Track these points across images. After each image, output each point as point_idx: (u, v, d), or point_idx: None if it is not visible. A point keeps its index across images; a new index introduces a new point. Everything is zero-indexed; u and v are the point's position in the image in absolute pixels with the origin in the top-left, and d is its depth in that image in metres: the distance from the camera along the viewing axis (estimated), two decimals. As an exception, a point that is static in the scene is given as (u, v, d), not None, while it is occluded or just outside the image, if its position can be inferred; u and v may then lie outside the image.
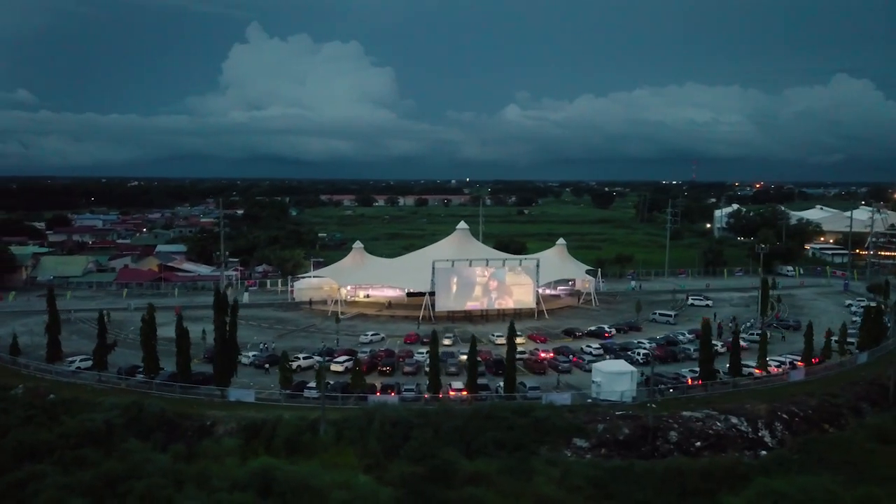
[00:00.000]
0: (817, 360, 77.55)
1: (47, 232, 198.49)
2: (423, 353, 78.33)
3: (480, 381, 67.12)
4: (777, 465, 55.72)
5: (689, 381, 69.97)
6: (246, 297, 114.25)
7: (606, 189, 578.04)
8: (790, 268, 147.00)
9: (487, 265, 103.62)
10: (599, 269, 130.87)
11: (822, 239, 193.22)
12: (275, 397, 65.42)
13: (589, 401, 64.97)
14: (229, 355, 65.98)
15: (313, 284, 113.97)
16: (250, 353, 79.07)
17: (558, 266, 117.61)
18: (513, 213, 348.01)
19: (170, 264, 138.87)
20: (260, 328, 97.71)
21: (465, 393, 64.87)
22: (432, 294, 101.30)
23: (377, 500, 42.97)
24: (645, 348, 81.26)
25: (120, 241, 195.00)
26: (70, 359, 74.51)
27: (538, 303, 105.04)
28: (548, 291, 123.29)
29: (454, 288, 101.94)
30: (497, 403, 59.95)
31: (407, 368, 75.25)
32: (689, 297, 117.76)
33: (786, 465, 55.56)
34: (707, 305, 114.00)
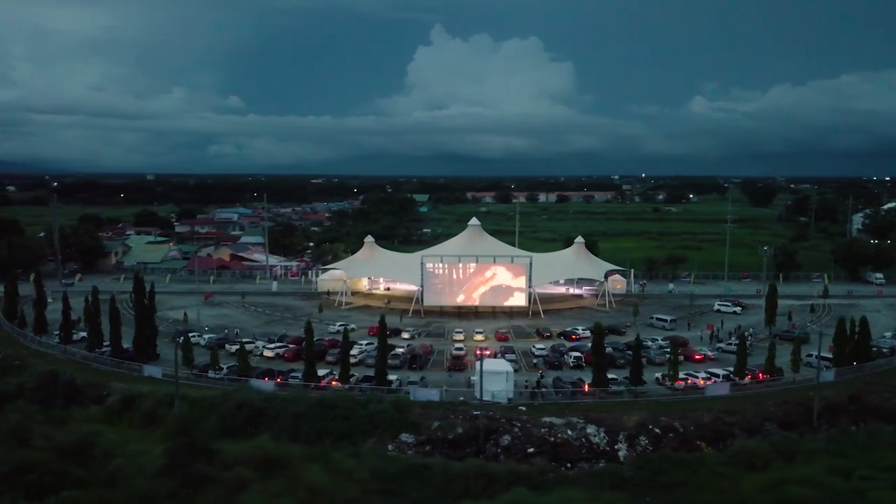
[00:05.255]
0: (768, 376, 70.22)
1: (175, 223, 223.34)
2: (362, 344, 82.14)
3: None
4: (599, 479, 52.24)
5: (586, 387, 66.55)
6: (274, 286, 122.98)
7: (791, 186, 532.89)
8: (880, 275, 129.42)
9: (477, 262, 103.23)
10: (633, 270, 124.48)
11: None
12: (182, 375, 71.43)
13: (461, 399, 64.39)
14: (146, 334, 73.12)
15: (335, 276, 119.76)
16: (206, 336, 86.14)
17: (571, 265, 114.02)
18: (647, 210, 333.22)
19: (240, 254, 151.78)
20: (262, 314, 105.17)
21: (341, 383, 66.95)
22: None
23: (142, 469, 47.32)
24: (578, 352, 77.88)
25: (236, 232, 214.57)
26: (56, 332, 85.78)
27: (534, 301, 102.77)
28: (572, 290, 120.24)
29: (441, 283, 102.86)
30: (341, 394, 61.52)
31: (329, 358, 78.18)
32: (717, 303, 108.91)
33: (608, 481, 52.01)
34: (735, 312, 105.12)
